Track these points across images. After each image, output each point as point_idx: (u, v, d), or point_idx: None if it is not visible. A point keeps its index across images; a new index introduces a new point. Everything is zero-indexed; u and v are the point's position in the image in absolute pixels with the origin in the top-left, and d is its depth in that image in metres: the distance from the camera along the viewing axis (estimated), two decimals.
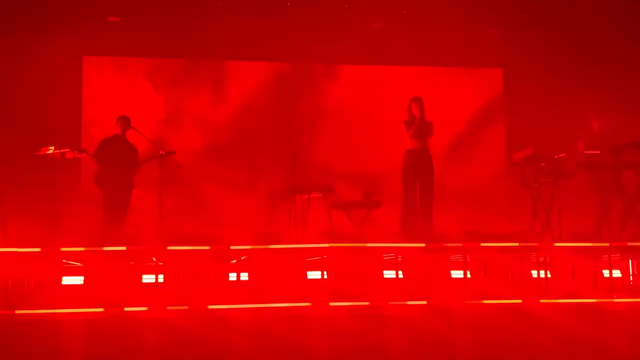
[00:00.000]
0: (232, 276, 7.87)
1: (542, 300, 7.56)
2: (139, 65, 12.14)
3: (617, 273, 8.66)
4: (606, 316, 7.15)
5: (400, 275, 8.09)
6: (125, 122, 9.57)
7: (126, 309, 7.05)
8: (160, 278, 7.75)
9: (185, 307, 7.14)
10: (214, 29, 11.65)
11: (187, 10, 11.34)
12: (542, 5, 11.57)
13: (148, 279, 8.02)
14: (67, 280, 7.99)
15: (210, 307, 7.19)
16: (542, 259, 8.22)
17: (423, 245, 7.87)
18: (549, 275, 8.26)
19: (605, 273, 8.30)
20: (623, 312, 7.27)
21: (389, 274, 8.30)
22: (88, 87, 11.92)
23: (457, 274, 8.40)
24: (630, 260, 8.75)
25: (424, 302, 7.45)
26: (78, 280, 8.01)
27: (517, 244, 7.90)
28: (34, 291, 7.65)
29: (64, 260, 7.79)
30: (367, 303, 7.38)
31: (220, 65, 12.37)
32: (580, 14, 11.56)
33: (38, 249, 7.41)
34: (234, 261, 7.84)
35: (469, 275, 8.12)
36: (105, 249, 7.52)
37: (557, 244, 8.00)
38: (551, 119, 11.39)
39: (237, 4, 11.37)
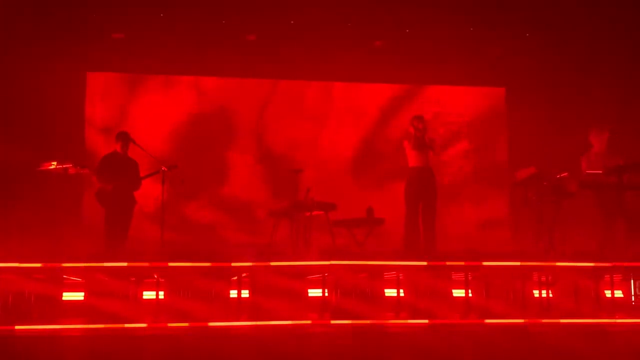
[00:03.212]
0: (233, 293, 7.85)
1: (544, 320, 7.53)
2: (142, 82, 12.18)
3: (619, 293, 8.63)
4: (608, 336, 7.12)
5: (402, 294, 8.07)
6: (125, 138, 9.53)
7: (126, 325, 7.04)
8: (161, 295, 7.75)
9: (186, 324, 7.13)
10: (217, 47, 11.69)
11: (191, 28, 11.40)
12: (544, 24, 11.60)
13: (149, 295, 8.00)
14: (67, 295, 7.97)
15: (210, 324, 7.17)
16: (544, 279, 8.20)
17: (425, 263, 7.85)
18: (551, 295, 8.24)
19: (608, 293, 8.28)
20: (625, 333, 7.24)
21: (390, 292, 8.28)
22: (91, 103, 11.96)
23: (458, 292, 8.37)
24: (632, 281, 8.72)
25: (426, 321, 7.43)
26: (79, 296, 7.99)
27: (519, 263, 7.88)
28: (34, 306, 7.63)
29: (65, 276, 7.79)
30: (368, 321, 7.36)
31: (224, 82, 12.40)
32: (583, 33, 11.61)
33: (39, 265, 7.40)
34: (235, 278, 7.83)
35: (470, 294, 8.10)
36: (106, 264, 7.52)
37: (559, 264, 7.98)
38: (554, 138, 11.39)
39: (241, 22, 11.43)
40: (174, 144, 11.90)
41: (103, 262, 7.54)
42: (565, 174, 9.02)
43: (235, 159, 12.24)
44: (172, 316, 7.41)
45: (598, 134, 9.49)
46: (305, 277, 8.09)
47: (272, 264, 7.63)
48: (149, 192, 9.91)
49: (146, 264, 7.56)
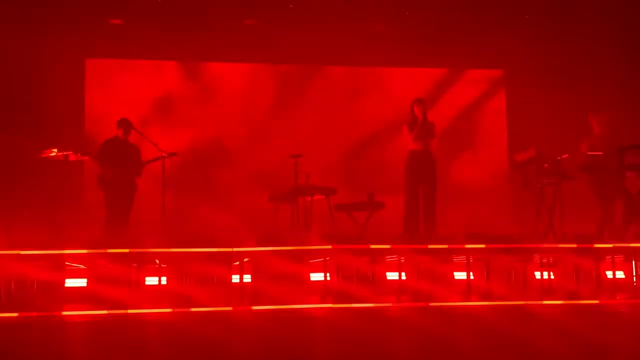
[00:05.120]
0: (235, 278, 7.87)
1: (545, 302, 7.56)
2: (141, 68, 12.15)
3: (620, 274, 8.65)
4: (609, 317, 7.14)
5: (404, 277, 8.09)
6: (126, 125, 9.54)
7: (129, 311, 7.06)
8: (163, 280, 7.77)
9: (187, 309, 7.16)
10: (215, 32, 11.65)
11: (189, 13, 11.36)
12: (544, 6, 11.56)
13: (151, 281, 8.02)
14: (70, 282, 7.98)
15: (211, 308, 7.20)
16: (545, 261, 8.22)
17: (426, 246, 7.86)
18: (552, 277, 8.25)
19: (609, 274, 8.29)
20: (626, 313, 7.27)
21: (392, 275, 8.30)
22: (91, 89, 11.94)
23: (460, 275, 8.39)
24: (633, 262, 8.73)
25: (427, 304, 7.46)
26: (81, 282, 8.01)
27: (520, 246, 7.89)
28: (37, 293, 7.65)
29: (67, 263, 7.80)
30: (370, 305, 7.38)
31: (223, 67, 12.38)
32: (582, 15, 11.57)
33: (41, 251, 7.42)
34: (237, 263, 7.84)
35: (472, 277, 8.12)
36: (108, 251, 7.53)
37: (560, 246, 7.99)
38: (553, 120, 11.37)
39: (239, 7, 11.39)
40: (172, 128, 11.86)
41: (105, 248, 7.56)
42: (565, 155, 9.02)
43: (233, 145, 12.21)
44: (174, 301, 7.43)
45: (599, 117, 9.48)
46: (306, 262, 8.10)
47: (274, 248, 7.65)
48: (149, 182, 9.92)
49: (148, 250, 7.58)
